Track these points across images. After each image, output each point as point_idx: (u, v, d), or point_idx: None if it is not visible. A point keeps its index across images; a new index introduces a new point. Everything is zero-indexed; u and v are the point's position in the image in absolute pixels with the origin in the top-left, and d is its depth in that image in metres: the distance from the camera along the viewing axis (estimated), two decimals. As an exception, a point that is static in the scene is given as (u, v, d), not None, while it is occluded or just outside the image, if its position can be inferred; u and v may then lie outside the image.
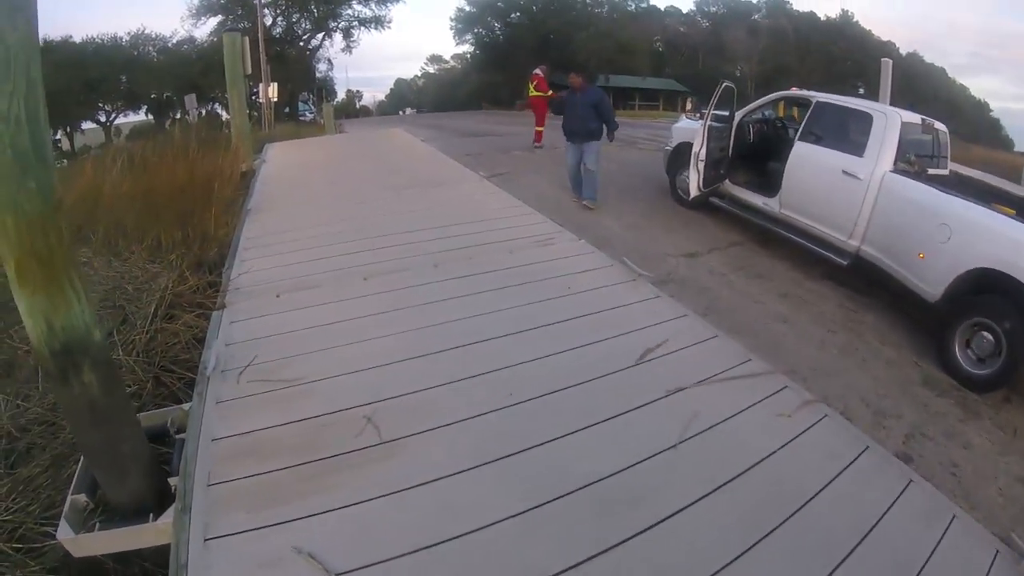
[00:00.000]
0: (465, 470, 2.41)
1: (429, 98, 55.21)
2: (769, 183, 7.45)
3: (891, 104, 8.50)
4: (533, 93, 13.00)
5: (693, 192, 7.55)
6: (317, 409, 2.73)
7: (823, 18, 52.22)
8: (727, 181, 7.93)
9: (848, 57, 48.03)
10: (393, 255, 4.71)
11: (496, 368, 3.09)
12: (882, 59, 12.33)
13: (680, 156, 8.55)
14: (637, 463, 2.51)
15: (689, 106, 8.74)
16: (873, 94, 13.31)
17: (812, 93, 7.42)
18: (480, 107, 41.41)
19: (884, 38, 52.28)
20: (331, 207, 6.38)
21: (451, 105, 43.61)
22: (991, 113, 54.00)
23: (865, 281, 6.58)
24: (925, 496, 2.63)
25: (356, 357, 3.17)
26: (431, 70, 61.62)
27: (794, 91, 8.26)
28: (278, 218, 5.95)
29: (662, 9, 52.00)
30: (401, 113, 52.38)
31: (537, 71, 13.26)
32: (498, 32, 41.85)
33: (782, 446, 2.71)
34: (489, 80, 44.91)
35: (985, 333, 4.87)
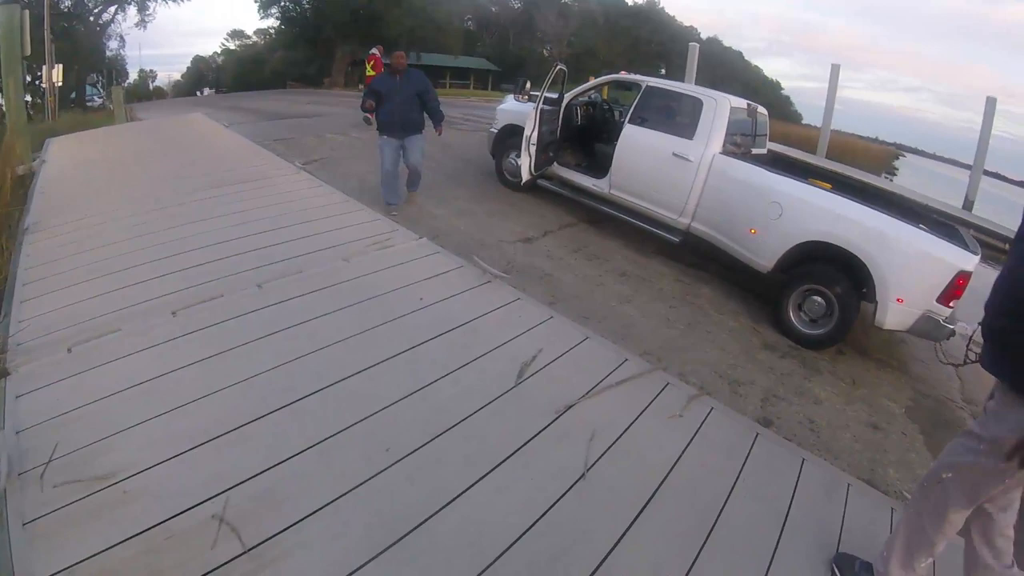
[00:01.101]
0: (363, 566, 1.95)
1: (230, 77, 51.26)
2: (598, 165, 7.52)
3: (695, 84, 8.86)
4: (370, 74, 13.14)
5: (525, 176, 7.38)
6: (151, 515, 2.07)
7: (630, 3, 55.31)
8: (555, 163, 7.81)
9: (652, 40, 50.86)
10: (206, 276, 3.85)
11: (361, 417, 2.59)
12: (690, 43, 13.06)
13: (505, 138, 8.35)
14: (550, 507, 2.25)
15: (528, 84, 8.29)
16: (676, 75, 14.02)
17: (642, 77, 7.49)
18: (286, 86, 39.25)
19: (687, 24, 56.51)
20: (126, 217, 5.18)
21: (255, 84, 40.74)
22: (782, 91, 62.17)
23: (694, 255, 6.89)
24: (820, 471, 2.81)
25: (182, 429, 2.47)
26: (232, 47, 57.13)
27: (624, 75, 8.27)
28: (63, 237, 4.77)
29: None
30: (199, 94, 48.46)
31: (374, 51, 13.47)
32: (306, 6, 39.49)
33: (683, 451, 2.67)
34: (295, 57, 42.47)
35: (816, 297, 5.36)
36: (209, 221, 4.94)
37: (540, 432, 2.60)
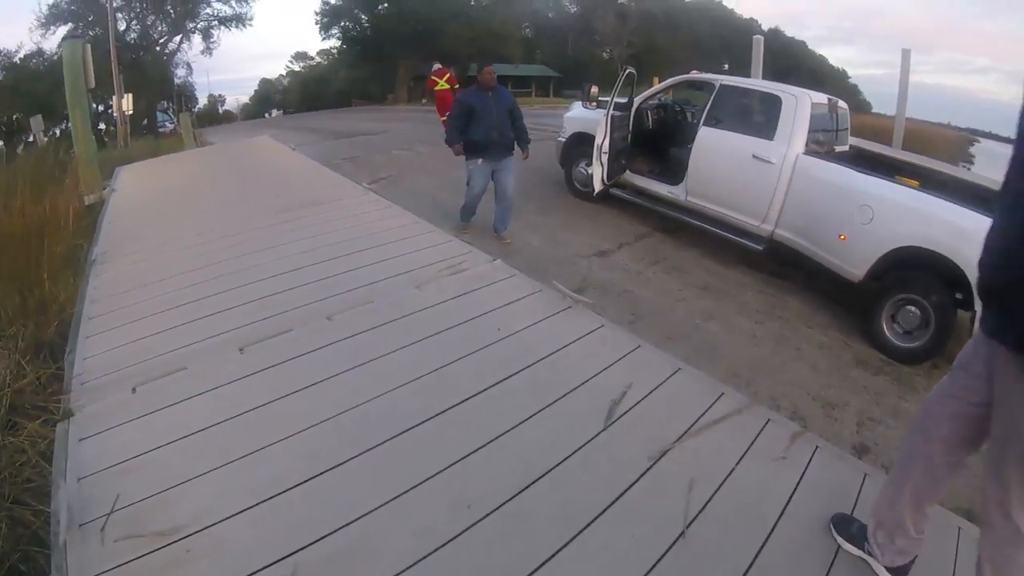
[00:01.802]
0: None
1: (295, 98, 52.68)
2: (673, 170, 7.20)
3: (762, 78, 8.50)
4: (443, 86, 13.34)
5: (597, 186, 7.13)
6: (217, 577, 1.91)
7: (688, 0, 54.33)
8: (628, 171, 7.56)
9: (714, 36, 49.99)
10: (274, 309, 3.68)
11: (440, 468, 2.37)
12: (753, 36, 12.57)
13: (574, 147, 8.12)
14: (649, 571, 2.04)
15: (595, 90, 8.04)
16: (741, 70, 13.57)
17: (714, 76, 7.13)
18: (350, 104, 40.02)
19: (746, 16, 55.47)
20: (193, 247, 5.05)
21: (320, 104, 41.84)
22: (849, 80, 60.07)
23: (778, 263, 6.49)
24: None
25: (248, 482, 2.29)
26: (297, 68, 58.73)
27: (695, 75, 7.95)
28: (129, 268, 4.66)
29: None
30: (267, 116, 49.97)
31: (437, 65, 13.69)
32: (366, 25, 40.23)
33: (789, 499, 2.42)
34: (358, 75, 43.45)
35: (910, 307, 4.93)
36: (276, 249, 4.81)
37: (634, 483, 2.37)
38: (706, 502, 2.33)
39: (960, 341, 5.05)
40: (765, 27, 51.05)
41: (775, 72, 13.29)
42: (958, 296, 4.70)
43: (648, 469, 2.44)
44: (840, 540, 2.21)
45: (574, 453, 2.47)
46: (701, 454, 2.58)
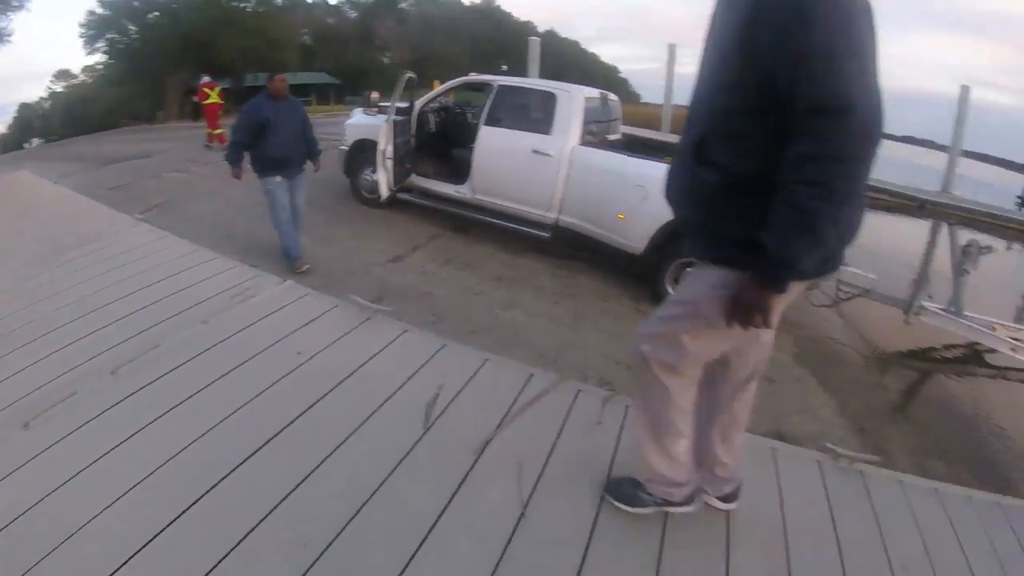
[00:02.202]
0: None
1: (59, 122, 47.24)
2: (458, 171, 7.39)
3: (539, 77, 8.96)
4: (214, 100, 13.77)
5: (384, 192, 7.16)
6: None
7: (467, 3, 55.63)
8: (414, 174, 7.65)
9: (491, 38, 51.43)
10: (50, 373, 3.12)
11: (271, 506, 2.22)
12: (529, 38, 13.14)
13: (358, 154, 8.07)
14: (500, 559, 2.10)
15: (375, 96, 7.97)
16: (518, 70, 14.18)
17: (492, 77, 7.46)
18: (118, 125, 36.65)
19: (523, 19, 57.74)
20: None
21: (86, 126, 37.74)
22: (620, 75, 66.68)
23: (566, 247, 6.91)
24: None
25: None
26: (59, 88, 52.65)
27: (473, 76, 8.17)
28: None
29: (309, 1, 50.27)
30: (26, 146, 44.58)
31: (205, 79, 14.24)
32: (134, 36, 36.59)
33: (613, 457, 2.65)
34: (126, 93, 39.70)
35: (690, 269, 5.32)
36: (43, 303, 4.12)
37: (464, 480, 2.43)
38: (537, 479, 2.46)
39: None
40: (541, 29, 53.61)
41: (551, 71, 13.98)
42: None
43: (475, 463, 2.51)
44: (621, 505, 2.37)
45: (399, 465, 2.47)
46: (523, 437, 2.70)
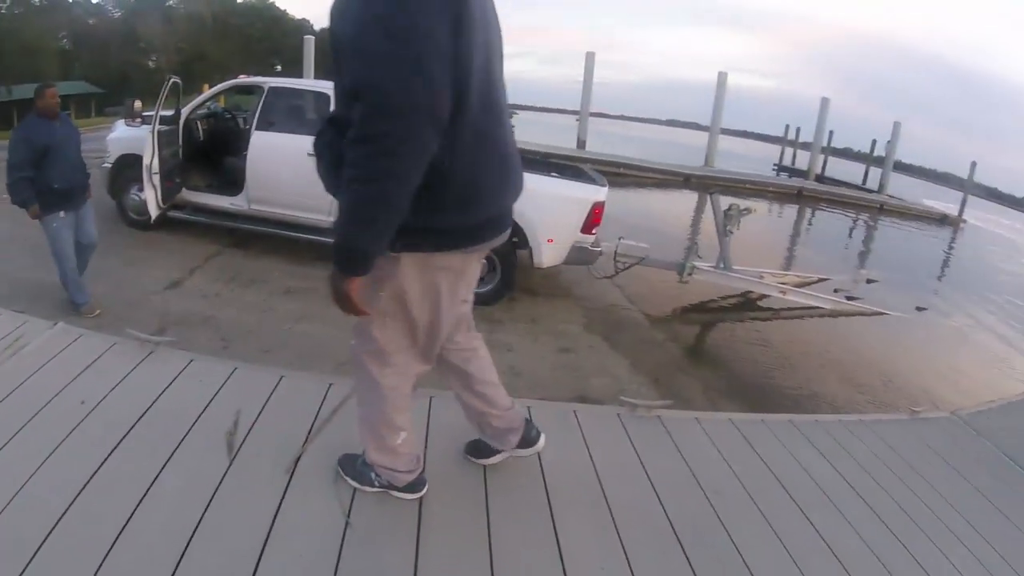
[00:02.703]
0: None
1: None
2: (232, 181, 6.80)
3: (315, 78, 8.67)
4: None
5: (153, 211, 6.41)
6: None
7: (240, 1, 52.50)
8: (185, 189, 6.99)
9: (265, 38, 49.16)
10: None
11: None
12: (304, 36, 12.74)
13: (123, 172, 7.10)
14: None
15: (138, 105, 7.13)
16: (293, 71, 13.70)
17: (263, 79, 6.96)
18: None
19: (298, 16, 55.64)
20: None
21: None
22: None
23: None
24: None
25: None
26: None
27: (243, 79, 7.59)
28: None
29: (69, 0, 44.42)
30: None
31: None
32: None
33: (427, 441, 2.42)
34: None
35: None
36: None
37: (282, 503, 2.23)
38: (356, 486, 2.33)
39: (525, 274, 5.91)
40: (317, 27, 51.91)
41: (328, 71, 13.65)
42: (515, 240, 5.48)
43: (289, 482, 2.33)
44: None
45: (212, 501, 2.21)
46: (333, 445, 2.53)
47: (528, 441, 2.42)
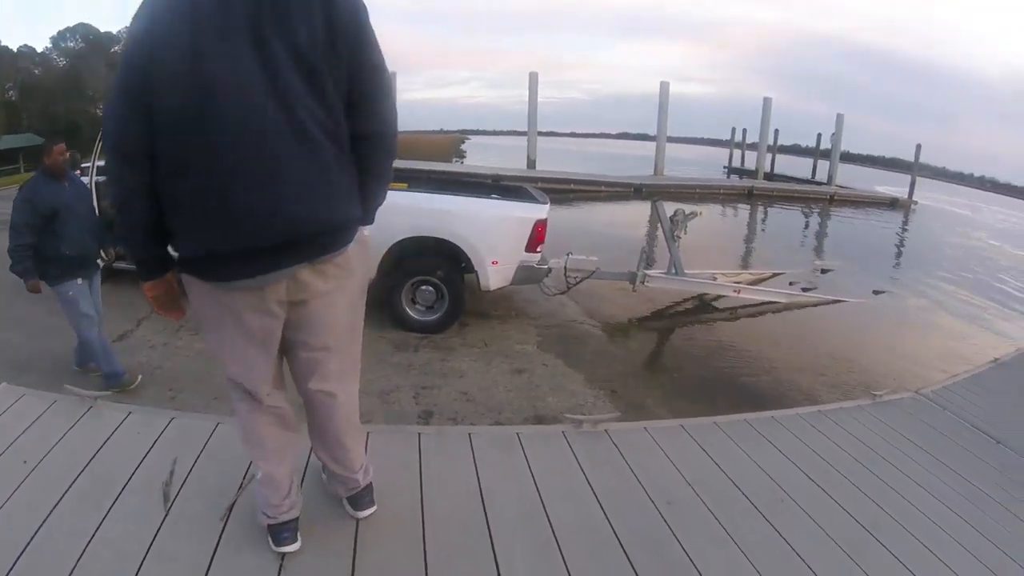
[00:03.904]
0: None
1: None
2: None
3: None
4: None
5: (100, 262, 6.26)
6: None
7: None
8: None
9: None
10: None
11: None
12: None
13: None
14: None
15: (76, 157, 6.84)
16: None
17: None
18: None
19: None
20: None
21: None
22: None
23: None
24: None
25: None
26: None
27: None
28: None
29: (14, 50, 43.30)
30: None
31: None
32: None
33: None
34: None
35: (425, 287, 5.57)
36: None
37: (216, 550, 2.14)
38: None
39: (475, 299, 5.84)
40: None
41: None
42: (463, 264, 5.48)
43: (223, 530, 2.24)
44: None
45: (147, 553, 2.12)
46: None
47: (358, 501, 2.27)
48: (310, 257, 1.70)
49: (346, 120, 1.67)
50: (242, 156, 1.54)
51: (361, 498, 2.26)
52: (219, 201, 1.57)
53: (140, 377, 4.59)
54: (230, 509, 2.35)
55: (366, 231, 1.92)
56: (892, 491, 3.01)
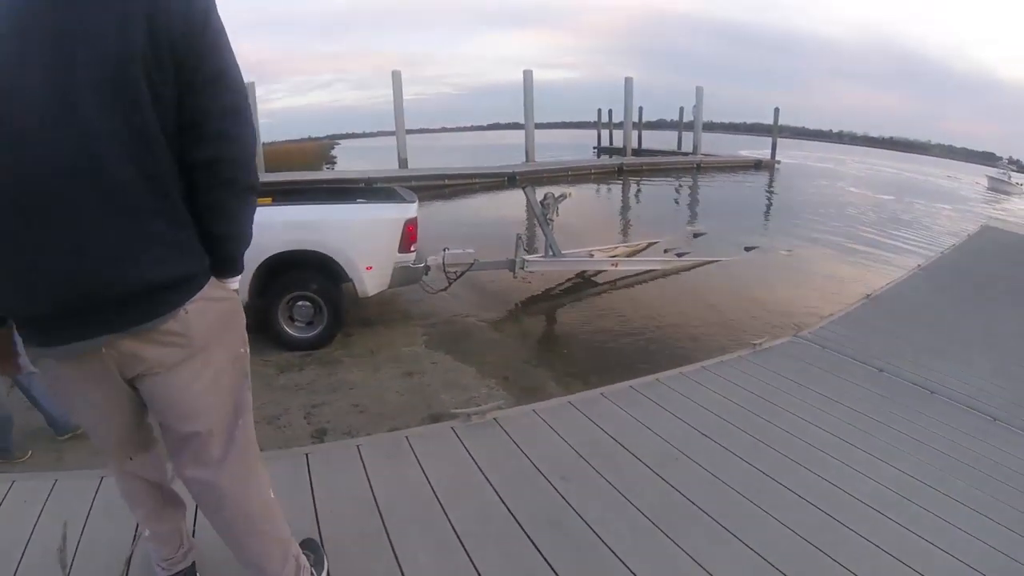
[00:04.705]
0: None
1: None
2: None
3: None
4: None
5: None
6: None
7: None
8: None
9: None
10: None
11: None
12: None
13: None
14: None
15: None
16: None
17: None
18: None
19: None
20: None
21: None
22: None
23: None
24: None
25: None
26: None
27: None
28: None
29: None
30: None
31: None
32: None
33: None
34: None
35: (301, 302, 5.29)
36: None
37: None
38: None
39: (355, 307, 5.71)
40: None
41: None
42: (337, 274, 5.29)
43: None
44: None
45: None
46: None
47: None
48: (120, 327, 1.36)
49: (181, 146, 1.33)
50: (18, 198, 1.23)
51: None
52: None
53: (30, 452, 4.10)
54: (128, 563, 2.20)
55: (231, 284, 1.57)
56: (786, 433, 3.16)
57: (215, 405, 1.56)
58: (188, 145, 1.32)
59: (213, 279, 1.48)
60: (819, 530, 2.35)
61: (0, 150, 1.20)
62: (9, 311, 1.41)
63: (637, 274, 7.93)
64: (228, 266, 1.53)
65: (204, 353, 1.49)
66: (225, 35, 1.36)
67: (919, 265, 8.44)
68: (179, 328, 1.41)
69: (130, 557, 2.22)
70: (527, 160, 24.12)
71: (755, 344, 4.48)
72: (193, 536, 2.11)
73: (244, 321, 1.64)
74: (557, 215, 7.16)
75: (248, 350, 1.67)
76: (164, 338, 1.40)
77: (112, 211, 1.26)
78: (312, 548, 2.05)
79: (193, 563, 1.95)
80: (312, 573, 1.89)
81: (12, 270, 1.27)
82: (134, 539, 2.30)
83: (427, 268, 5.85)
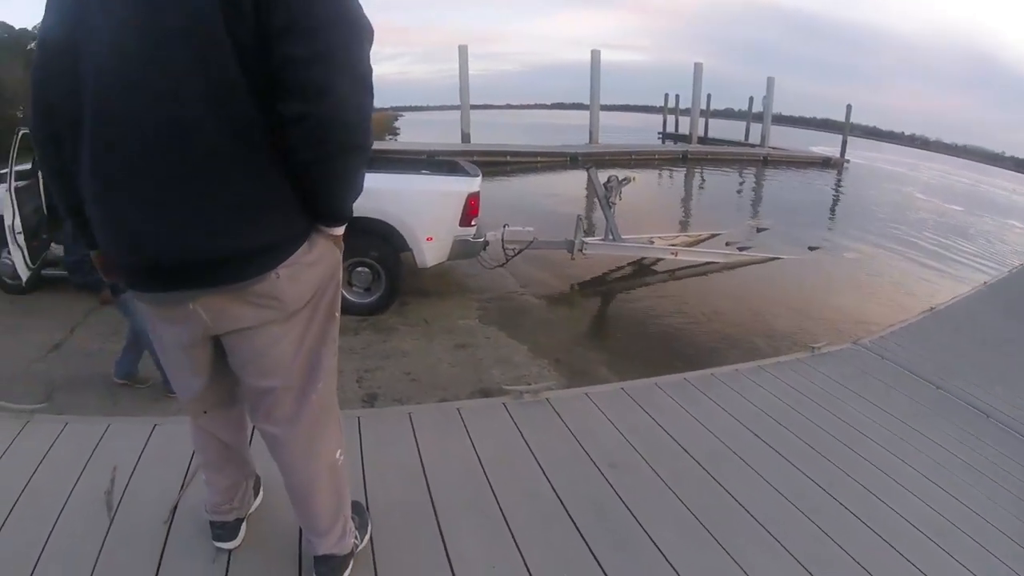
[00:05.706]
0: None
1: None
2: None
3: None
4: None
5: (23, 273, 5.86)
6: None
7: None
8: (54, 244, 6.43)
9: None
10: None
11: None
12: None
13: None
14: None
15: None
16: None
17: None
18: None
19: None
20: None
21: None
22: None
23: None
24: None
25: None
26: None
27: None
28: None
29: None
30: None
31: None
32: None
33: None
34: None
35: (360, 268, 5.40)
36: None
37: (162, 557, 2.04)
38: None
39: (413, 277, 5.74)
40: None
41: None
42: (398, 243, 5.34)
43: (168, 534, 2.14)
44: None
45: (96, 566, 2.01)
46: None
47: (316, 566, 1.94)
48: (209, 284, 1.35)
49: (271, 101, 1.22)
50: (112, 155, 1.24)
51: (319, 564, 1.86)
52: (93, 204, 1.33)
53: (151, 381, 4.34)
54: (173, 511, 2.25)
55: (335, 231, 1.52)
56: (837, 442, 3.06)
57: (294, 365, 1.55)
58: (276, 100, 1.21)
59: (307, 244, 1.44)
60: (867, 549, 2.27)
61: (93, 106, 1.22)
62: (105, 255, 1.47)
63: (696, 265, 7.80)
64: (327, 219, 1.48)
65: (294, 317, 1.48)
66: None
67: (985, 282, 8.08)
68: (270, 290, 1.39)
69: (175, 506, 2.27)
70: (590, 141, 23.93)
71: (814, 348, 4.36)
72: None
73: (339, 286, 1.64)
74: (620, 199, 7.09)
75: (340, 315, 1.68)
76: (255, 299, 1.39)
77: (199, 173, 1.23)
78: (358, 511, 2.06)
79: (237, 519, 2.01)
80: (356, 536, 1.94)
81: (103, 219, 1.32)
82: (182, 487, 2.37)
83: (486, 243, 5.88)
